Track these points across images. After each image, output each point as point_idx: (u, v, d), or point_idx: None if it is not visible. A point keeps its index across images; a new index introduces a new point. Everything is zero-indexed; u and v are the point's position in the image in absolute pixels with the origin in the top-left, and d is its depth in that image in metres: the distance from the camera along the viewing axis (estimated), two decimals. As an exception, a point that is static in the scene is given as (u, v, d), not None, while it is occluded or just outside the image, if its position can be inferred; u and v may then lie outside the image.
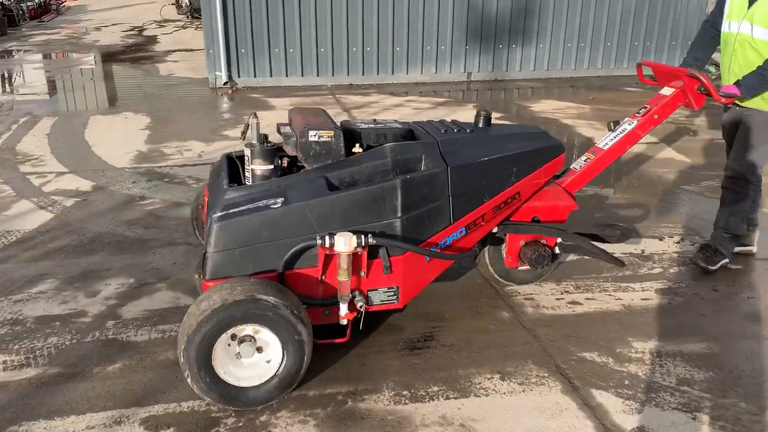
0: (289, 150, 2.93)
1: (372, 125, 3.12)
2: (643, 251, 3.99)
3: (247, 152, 2.83)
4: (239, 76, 9.11)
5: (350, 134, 2.94)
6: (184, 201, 4.78)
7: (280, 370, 2.53)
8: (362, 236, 2.60)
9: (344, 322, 2.74)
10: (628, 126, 3.52)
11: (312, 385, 2.71)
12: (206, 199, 3.16)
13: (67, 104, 8.26)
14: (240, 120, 7.35)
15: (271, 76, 9.22)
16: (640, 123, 3.49)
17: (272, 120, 7.20)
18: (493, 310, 3.31)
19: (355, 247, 2.58)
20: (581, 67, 10.33)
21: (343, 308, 2.70)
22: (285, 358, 2.51)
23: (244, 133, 2.93)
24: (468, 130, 3.12)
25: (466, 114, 7.80)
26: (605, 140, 3.53)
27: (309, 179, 2.74)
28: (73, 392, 2.66)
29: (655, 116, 3.51)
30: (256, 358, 2.53)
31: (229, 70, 9.01)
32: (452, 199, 2.90)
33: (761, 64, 3.37)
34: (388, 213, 2.75)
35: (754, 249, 3.95)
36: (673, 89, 3.55)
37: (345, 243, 2.55)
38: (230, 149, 6.36)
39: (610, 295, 3.49)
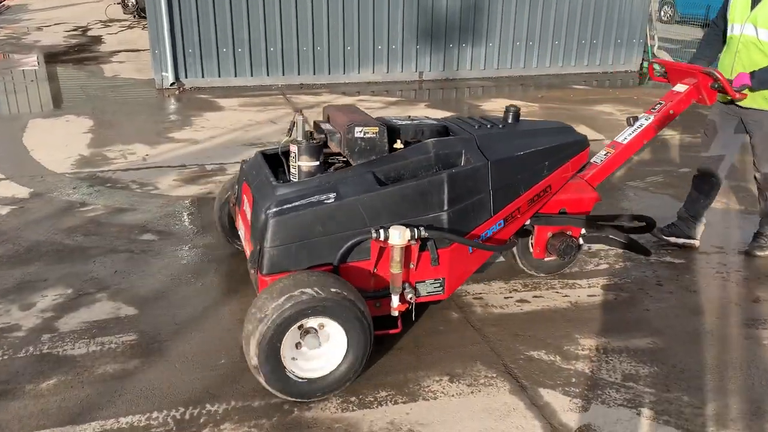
0: (334, 146, 2.98)
1: (409, 121, 3.18)
2: (590, 247, 4.03)
3: (294, 149, 2.86)
4: (186, 77, 8.92)
5: (390, 130, 3.00)
6: (127, 207, 4.64)
7: (344, 361, 2.58)
8: (415, 229, 2.68)
9: (396, 313, 2.79)
10: (645, 121, 3.63)
11: (256, 394, 2.64)
12: (246, 197, 3.13)
13: (5, 107, 7.94)
14: (186, 121, 7.19)
15: (219, 76, 9.05)
16: (656, 118, 3.62)
17: (218, 122, 7.07)
18: (443, 311, 3.29)
19: (409, 240, 2.65)
20: (530, 66, 10.45)
21: (395, 300, 2.75)
22: (349, 349, 2.57)
23: (290, 130, 2.98)
24: (500, 126, 3.23)
25: (418, 113, 7.79)
26: (624, 135, 3.65)
27: (357, 174, 2.80)
28: (4, 412, 2.53)
29: (671, 112, 3.64)
30: (320, 350, 2.57)
31: (176, 70, 8.80)
32: (492, 192, 3.00)
33: None
34: (435, 206, 2.84)
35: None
36: (687, 86, 3.66)
37: (400, 236, 2.61)
38: (177, 151, 6.26)
39: (557, 292, 3.52)
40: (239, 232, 3.37)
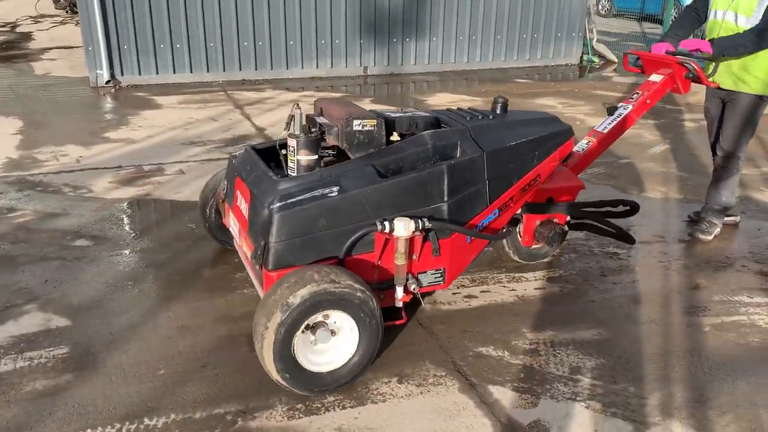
0: (331, 140, 3.00)
1: (402, 114, 3.21)
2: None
3: (293, 143, 2.85)
4: (123, 74, 8.62)
5: (385, 123, 3.00)
6: (59, 211, 4.42)
7: (356, 353, 2.60)
8: (419, 220, 2.73)
9: (400, 304, 2.83)
10: (624, 111, 3.77)
11: (198, 405, 2.53)
12: (240, 192, 3.09)
13: (-74, 108, 7.51)
14: (122, 120, 6.93)
15: (157, 73, 8.78)
16: (634, 108, 3.76)
17: (156, 120, 6.84)
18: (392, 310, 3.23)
19: (413, 232, 2.69)
20: (474, 61, 10.50)
21: (400, 291, 2.79)
22: (360, 341, 2.59)
23: (288, 124, 2.95)
24: (490, 117, 3.29)
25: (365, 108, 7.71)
26: (604, 124, 3.77)
27: (358, 167, 2.82)
28: None
29: (648, 101, 3.80)
30: (331, 344, 2.58)
31: (111, 67, 8.49)
32: (488, 182, 3.06)
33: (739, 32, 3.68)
34: (436, 197, 2.89)
35: (738, 219, 4.37)
36: (662, 76, 3.81)
37: (404, 228, 2.66)
38: (113, 152, 6.02)
39: (504, 286, 3.51)
40: (231, 229, 3.31)
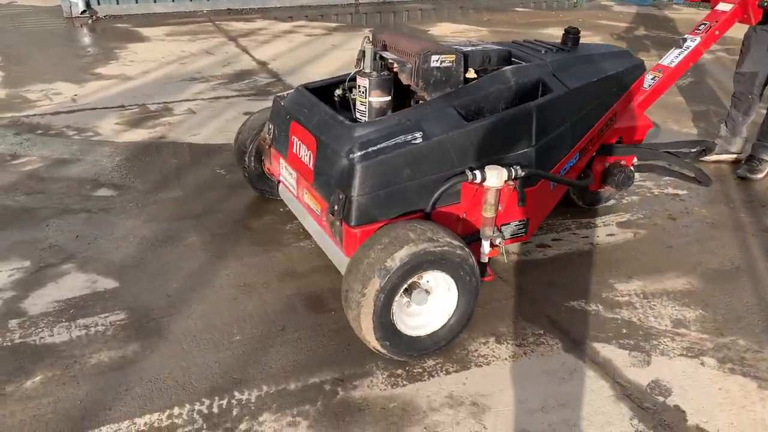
0: (404, 78, 2.66)
1: (473, 47, 2.91)
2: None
3: (364, 82, 2.58)
4: (99, 3, 7.96)
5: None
6: (69, 157, 4.03)
7: (454, 313, 2.40)
8: (512, 169, 2.51)
9: (486, 259, 2.58)
10: (691, 43, 3.54)
11: (289, 374, 2.30)
12: (298, 138, 2.81)
13: None
14: (110, 54, 6.41)
15: (136, 2, 8.16)
16: (702, 39, 3.56)
17: (147, 54, 6.32)
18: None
19: (506, 181, 2.49)
20: (469, -13, 10.04)
21: (486, 245, 2.56)
22: (459, 300, 2.38)
23: (359, 60, 2.67)
24: (565, 50, 3.05)
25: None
26: (670, 58, 3.56)
27: (438, 110, 2.57)
28: (-14, 423, 2.08)
29: (716, 32, 3.58)
30: (428, 305, 2.38)
31: (86, -4, 7.83)
32: (572, 123, 2.84)
33: None
34: (523, 142, 2.67)
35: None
36: (732, 4, 3.61)
37: (497, 177, 2.45)
38: (110, 90, 5.51)
39: (574, 233, 3.32)
40: (283, 179, 3.03)
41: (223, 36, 7.30)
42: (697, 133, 4.75)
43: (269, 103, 4.86)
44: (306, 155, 2.75)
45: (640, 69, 3.21)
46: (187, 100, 5.15)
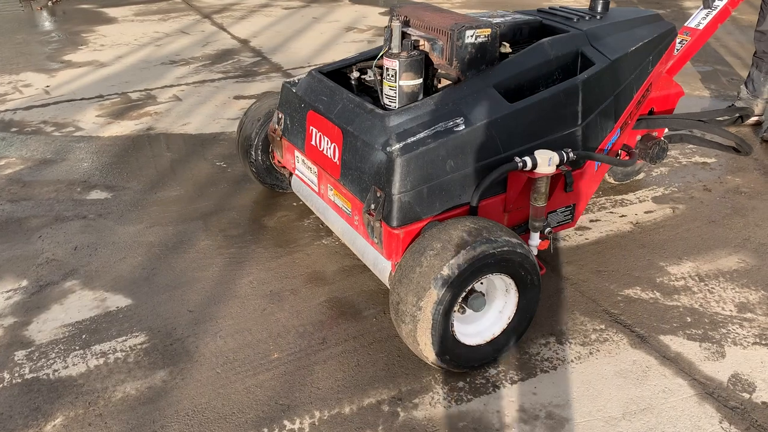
0: (435, 58, 2.43)
1: (501, 18, 2.72)
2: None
3: (393, 64, 2.31)
4: (58, -16, 7.44)
5: None
6: (52, 157, 3.69)
7: (515, 316, 2.19)
8: (563, 153, 2.30)
9: (536, 252, 2.39)
10: (719, 2, 3.31)
11: (341, 395, 2.08)
12: (317, 129, 2.55)
13: None
14: (77, 39, 5.98)
15: (99, -20, 7.63)
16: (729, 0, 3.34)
17: (118, 37, 5.91)
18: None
19: (558, 166, 2.29)
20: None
21: (536, 237, 2.37)
22: (520, 301, 2.17)
23: (388, 40, 2.38)
24: (597, 17, 2.83)
25: (345, 12, 6.97)
26: (697, 19, 3.34)
27: (477, 91, 2.33)
28: (9, 480, 1.83)
29: None
30: (485, 310, 2.18)
31: (44, -24, 7.31)
32: (615, 96, 2.63)
33: None
34: (569, 121, 2.47)
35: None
36: None
37: (549, 162, 2.25)
38: (84, 78, 5.11)
39: (611, 212, 3.13)
40: (300, 173, 2.78)
41: (196, 13, 6.89)
42: (710, 95, 4.58)
43: (259, 85, 4.58)
44: (329, 148, 2.50)
45: (672, 33, 3.00)
46: (170, 85, 4.80)
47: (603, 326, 2.39)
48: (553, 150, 2.31)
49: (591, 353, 2.26)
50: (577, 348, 2.28)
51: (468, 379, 2.15)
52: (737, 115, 3.22)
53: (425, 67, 2.66)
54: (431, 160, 2.19)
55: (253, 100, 4.36)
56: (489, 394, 2.09)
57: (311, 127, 2.61)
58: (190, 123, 4.15)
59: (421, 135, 2.21)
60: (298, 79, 2.84)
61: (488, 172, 2.31)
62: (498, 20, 2.71)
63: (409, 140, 2.19)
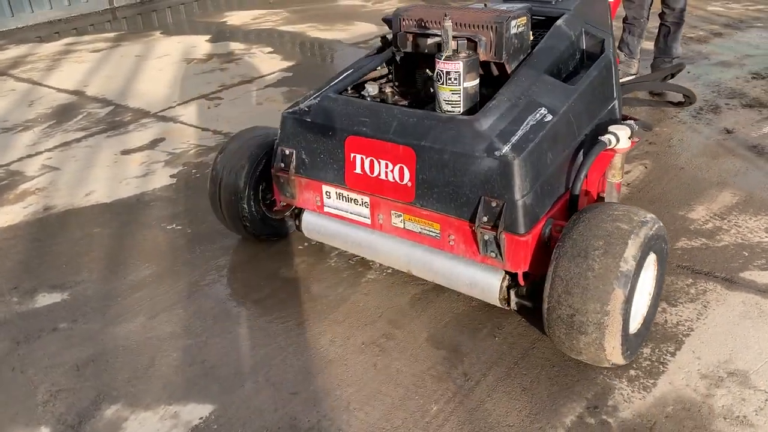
0: (482, 54, 2.32)
1: (498, 5, 2.66)
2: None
3: (453, 67, 2.18)
4: None
5: None
6: (-55, 269, 2.82)
7: (655, 288, 2.16)
8: (628, 125, 2.35)
9: None
10: None
11: (538, 424, 1.89)
12: (365, 155, 2.29)
13: None
14: None
15: None
16: None
17: None
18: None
19: (631, 138, 2.35)
20: (225, -28, 9.32)
21: None
22: (658, 274, 2.15)
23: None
24: None
25: (168, 45, 6.37)
26: None
27: (536, 79, 2.30)
28: None
29: None
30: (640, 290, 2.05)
31: None
32: (616, 66, 2.71)
33: None
34: (608, 96, 2.57)
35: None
36: None
37: (627, 136, 2.30)
38: None
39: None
40: (330, 208, 2.46)
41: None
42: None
43: (139, 135, 4.11)
44: (391, 171, 2.25)
45: (608, 5, 3.22)
46: (28, 156, 3.96)
47: (690, 280, 2.48)
48: (621, 124, 2.36)
49: (705, 306, 2.34)
50: (691, 306, 2.34)
51: (635, 366, 2.09)
52: (678, 69, 3.58)
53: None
54: (539, 155, 2.10)
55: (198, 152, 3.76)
56: (664, 372, 2.06)
57: (354, 155, 2.32)
58: (94, 191, 3.46)
59: (521, 133, 2.11)
60: (305, 107, 2.50)
61: (574, 157, 2.27)
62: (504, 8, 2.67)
63: (514, 140, 2.08)
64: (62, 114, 4.63)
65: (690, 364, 2.08)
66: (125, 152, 3.93)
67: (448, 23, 2.19)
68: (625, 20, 4.40)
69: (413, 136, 2.19)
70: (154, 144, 4.02)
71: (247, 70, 5.38)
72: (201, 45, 6.25)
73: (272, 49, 5.96)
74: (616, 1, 3.62)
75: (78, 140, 4.15)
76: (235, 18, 7.31)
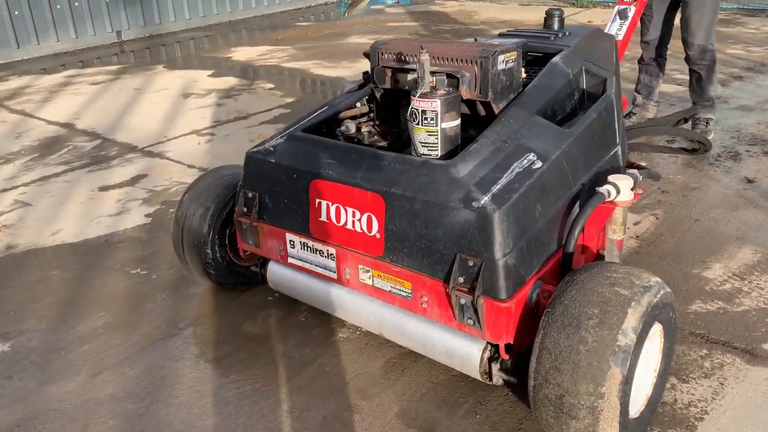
0: (464, 92, 2.07)
1: (491, 40, 2.46)
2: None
3: (430, 106, 1.94)
4: None
5: None
6: None
7: (661, 364, 1.86)
8: (631, 174, 2.09)
9: None
10: (630, 12, 3.37)
11: None
12: (330, 200, 2.04)
13: None
14: None
15: None
16: (637, 8, 3.44)
17: None
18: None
19: (633, 190, 2.04)
20: (237, 9, 9.31)
21: None
22: (664, 347, 1.85)
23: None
24: (566, 33, 2.65)
25: (169, 79, 6.24)
26: (614, 28, 3.39)
27: (526, 122, 2.05)
28: None
29: None
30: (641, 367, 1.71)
31: None
32: (619, 111, 2.45)
33: None
34: (610, 141, 2.30)
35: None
36: None
37: (629, 187, 1.99)
38: None
39: (605, 231, 2.98)
40: (294, 259, 2.20)
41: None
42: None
43: (121, 170, 3.93)
44: (358, 221, 1.99)
45: (615, 43, 2.99)
46: (3, 191, 3.77)
47: (705, 351, 2.17)
48: (624, 174, 2.10)
49: (722, 384, 2.02)
50: (705, 382, 2.03)
51: None
52: (691, 113, 3.32)
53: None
54: (525, 207, 1.84)
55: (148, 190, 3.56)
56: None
57: (319, 201, 2.07)
58: (62, 230, 3.24)
59: (504, 181, 1.85)
60: (270, 146, 2.26)
61: (568, 211, 2.01)
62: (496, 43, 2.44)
63: (495, 189, 1.82)
64: (47, 147, 4.45)
65: (703, 457, 1.76)
66: (103, 188, 3.72)
67: (425, 56, 1.96)
68: (640, 60, 4.15)
69: (383, 182, 1.94)
70: (134, 180, 3.81)
71: (244, 106, 5.20)
72: (202, 80, 6.11)
73: (273, 86, 5.79)
74: (625, 40, 3.40)
75: (57, 175, 3.96)
76: (241, 53, 7.19)
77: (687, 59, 3.89)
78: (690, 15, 3.79)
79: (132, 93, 5.73)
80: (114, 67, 6.83)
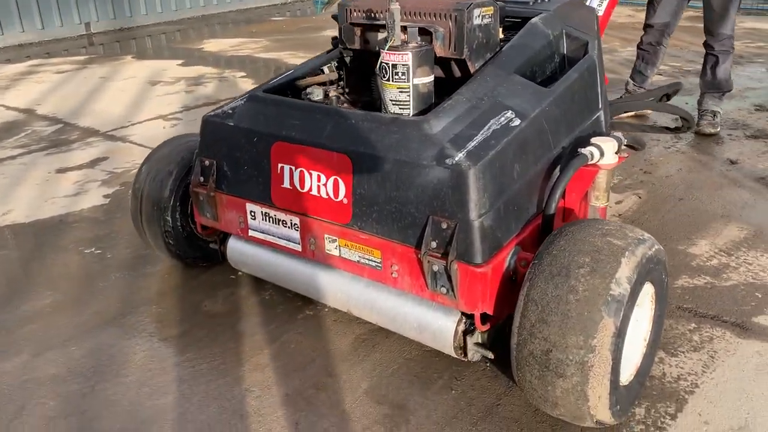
0: (438, 49, 1.92)
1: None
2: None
3: (401, 59, 1.79)
4: None
5: None
6: None
7: (651, 331, 1.73)
8: (617, 138, 1.95)
9: None
10: None
11: None
12: (293, 164, 1.88)
13: None
14: None
15: None
16: None
17: None
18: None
19: (618, 154, 1.94)
20: (210, 3, 9.12)
21: None
22: (655, 313, 1.72)
23: (391, 28, 1.81)
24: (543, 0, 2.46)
25: (137, 68, 6.05)
26: (595, 2, 3.13)
27: (504, 80, 1.91)
28: None
29: None
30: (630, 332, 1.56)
31: None
32: (602, 76, 2.30)
33: None
34: (593, 104, 2.16)
35: None
36: None
37: (613, 150, 1.89)
38: None
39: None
40: (254, 231, 2.03)
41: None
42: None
43: (81, 153, 3.77)
44: (324, 185, 1.84)
45: (596, 15, 2.88)
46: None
47: (693, 324, 2.05)
48: (608, 136, 1.98)
49: (712, 357, 1.90)
50: (695, 356, 1.91)
51: (625, 431, 1.64)
52: (674, 90, 3.21)
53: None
54: (502, 166, 1.71)
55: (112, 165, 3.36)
56: (661, 440, 1.61)
57: (281, 165, 1.92)
58: (12, 210, 3.04)
59: (480, 138, 1.71)
60: (229, 109, 2.10)
61: (548, 173, 1.88)
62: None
63: (471, 146, 1.68)
64: (4, 131, 4.24)
65: (696, 431, 1.63)
66: (60, 171, 3.52)
67: (395, 6, 1.82)
68: (639, 45, 3.99)
69: (350, 141, 1.79)
70: (94, 163, 3.62)
71: (214, 92, 5.03)
72: (171, 69, 5.92)
73: (245, 74, 5.63)
74: (606, 15, 3.29)
75: (13, 158, 3.75)
76: (213, 45, 7.01)
77: (706, 44, 3.76)
78: (714, 4, 3.61)
79: (98, 81, 5.53)
80: (81, 58, 6.61)
